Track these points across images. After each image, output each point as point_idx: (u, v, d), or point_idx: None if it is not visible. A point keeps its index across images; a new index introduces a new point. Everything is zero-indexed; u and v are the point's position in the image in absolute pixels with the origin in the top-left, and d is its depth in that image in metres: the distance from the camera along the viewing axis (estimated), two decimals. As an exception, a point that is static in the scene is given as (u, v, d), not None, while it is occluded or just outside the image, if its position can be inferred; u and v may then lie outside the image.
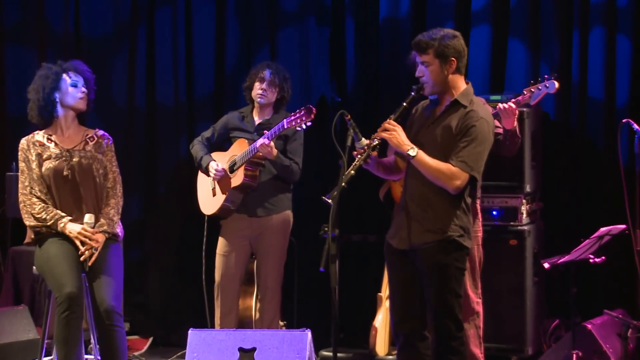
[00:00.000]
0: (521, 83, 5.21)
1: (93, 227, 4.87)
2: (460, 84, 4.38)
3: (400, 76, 6.55)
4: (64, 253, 4.82)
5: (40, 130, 5.03)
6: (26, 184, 4.93)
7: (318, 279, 5.16)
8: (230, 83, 6.91)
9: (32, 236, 4.95)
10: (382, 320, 5.96)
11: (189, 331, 5.02)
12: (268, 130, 5.51)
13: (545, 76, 5.06)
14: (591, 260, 5.25)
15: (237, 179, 5.59)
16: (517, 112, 5.01)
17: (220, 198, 5.67)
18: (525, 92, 5.07)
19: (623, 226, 5.26)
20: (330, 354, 5.49)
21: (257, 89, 5.71)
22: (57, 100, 4.96)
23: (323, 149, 6.64)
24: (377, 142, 4.33)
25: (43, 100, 4.93)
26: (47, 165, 4.92)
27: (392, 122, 4.33)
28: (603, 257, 5.25)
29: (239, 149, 5.63)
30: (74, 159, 4.95)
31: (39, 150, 4.95)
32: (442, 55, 4.29)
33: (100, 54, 7.12)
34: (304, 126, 5.27)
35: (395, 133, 4.29)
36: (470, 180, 4.27)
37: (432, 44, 4.30)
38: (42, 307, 5.45)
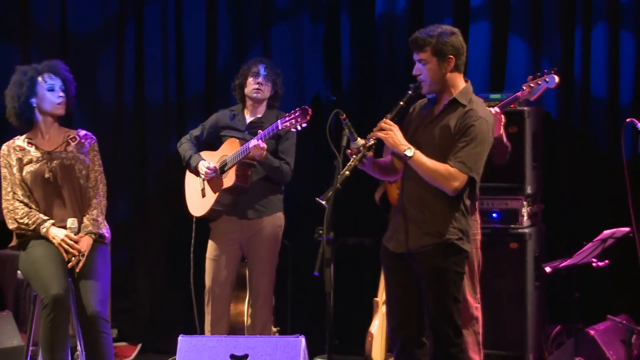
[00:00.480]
0: (521, 81, 5.20)
1: (77, 232, 4.87)
2: (459, 83, 4.38)
3: (397, 74, 6.56)
4: (50, 255, 4.82)
5: (22, 134, 5.03)
6: (9, 189, 4.95)
7: (312, 283, 5.16)
8: (221, 81, 6.90)
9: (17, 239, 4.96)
10: (378, 326, 5.96)
11: (179, 337, 5.01)
12: (260, 129, 5.51)
13: (545, 70, 5.06)
14: (594, 264, 5.26)
15: (228, 180, 5.57)
16: (503, 118, 4.99)
17: (210, 199, 5.65)
18: (524, 88, 5.07)
19: (627, 229, 5.26)
20: (325, 361, 5.50)
21: (253, 85, 5.70)
22: (35, 105, 4.96)
23: (317, 149, 6.65)
24: (372, 142, 4.32)
25: (19, 108, 4.94)
26: (28, 169, 4.93)
27: (388, 121, 4.32)
28: (606, 261, 5.26)
29: (230, 149, 5.62)
30: (55, 161, 4.95)
31: (19, 155, 4.96)
32: (439, 52, 4.29)
33: (87, 51, 7.11)
34: (299, 127, 5.26)
35: (392, 133, 4.29)
36: (469, 182, 4.27)
37: (429, 42, 4.29)
38: (27, 313, 5.44)
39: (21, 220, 4.88)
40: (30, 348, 5.02)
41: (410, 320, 4.41)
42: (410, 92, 4.39)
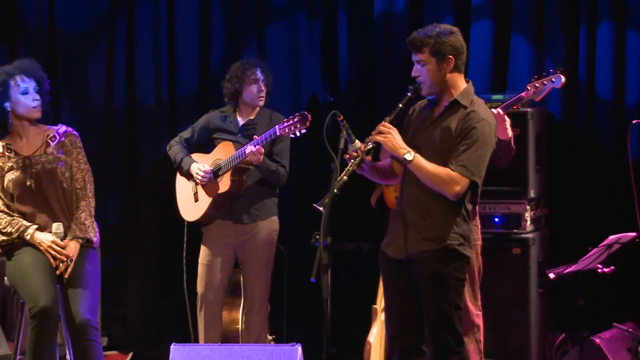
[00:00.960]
0: (524, 81, 5.21)
1: (63, 237, 4.85)
2: (460, 83, 4.37)
3: (395, 75, 6.56)
4: (37, 262, 4.80)
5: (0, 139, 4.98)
6: None
7: (309, 290, 5.16)
8: (215, 81, 6.85)
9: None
10: (377, 334, 5.95)
11: (171, 346, 5.01)
12: (254, 131, 5.51)
13: (551, 70, 5.06)
14: (599, 270, 5.26)
15: (223, 185, 5.56)
16: (506, 118, 4.98)
17: (204, 204, 5.64)
18: (529, 88, 5.07)
19: (633, 234, 5.26)
20: (322, 370, 5.49)
21: (257, 93, 5.68)
22: (9, 110, 4.90)
23: (314, 151, 6.65)
24: (371, 146, 4.32)
25: None
26: (9, 177, 4.89)
27: (387, 124, 4.32)
28: (612, 267, 5.26)
29: (224, 152, 5.61)
30: (36, 167, 4.90)
31: None
32: (438, 53, 4.28)
33: (77, 50, 7.10)
34: (297, 134, 5.26)
35: (391, 136, 4.29)
36: (470, 186, 4.27)
37: (427, 42, 4.29)
38: (15, 321, 5.44)
39: (4, 230, 4.84)
40: (18, 357, 5.01)
41: (410, 328, 4.41)
42: (409, 94, 4.39)
